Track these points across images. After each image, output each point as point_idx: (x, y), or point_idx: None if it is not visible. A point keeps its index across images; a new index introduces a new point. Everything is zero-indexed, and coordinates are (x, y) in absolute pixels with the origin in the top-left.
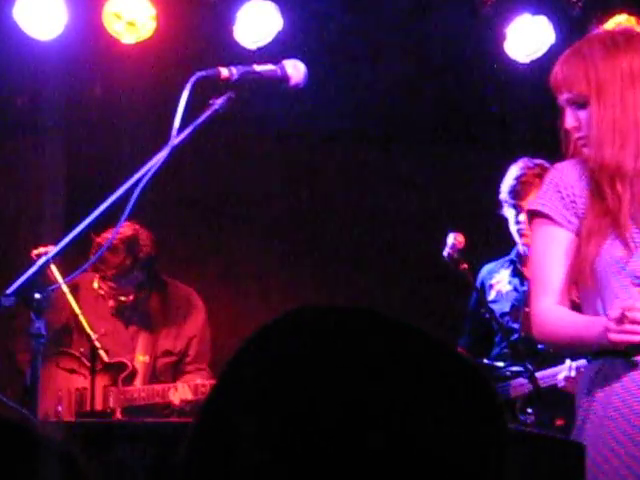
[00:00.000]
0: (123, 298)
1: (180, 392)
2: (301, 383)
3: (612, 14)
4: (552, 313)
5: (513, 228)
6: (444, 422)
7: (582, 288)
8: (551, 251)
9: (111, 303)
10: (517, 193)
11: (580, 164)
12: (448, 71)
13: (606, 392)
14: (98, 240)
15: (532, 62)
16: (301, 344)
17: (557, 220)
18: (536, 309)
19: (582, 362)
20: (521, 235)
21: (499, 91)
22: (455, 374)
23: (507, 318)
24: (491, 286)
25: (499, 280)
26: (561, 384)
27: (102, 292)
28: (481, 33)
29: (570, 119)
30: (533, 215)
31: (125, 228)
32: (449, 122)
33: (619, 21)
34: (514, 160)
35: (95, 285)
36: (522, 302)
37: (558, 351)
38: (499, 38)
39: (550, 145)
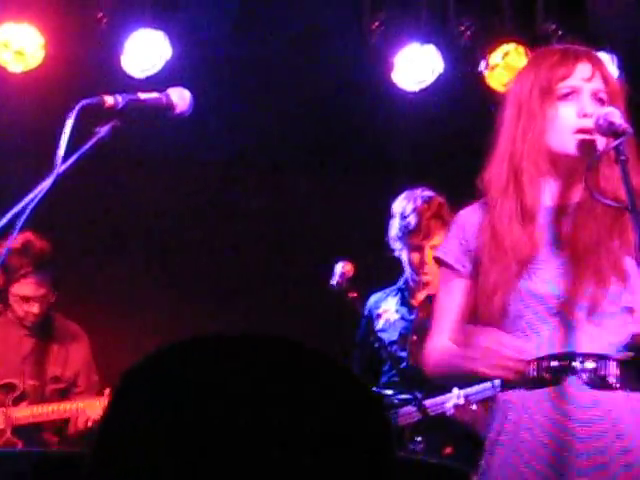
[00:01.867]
0: (25, 324)
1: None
2: (189, 408)
3: (500, 43)
4: (438, 349)
5: (405, 260)
6: (336, 442)
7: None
8: (449, 297)
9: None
10: (416, 231)
11: (482, 207)
12: (337, 100)
13: (515, 419)
14: None
15: (420, 91)
16: (187, 371)
17: (455, 267)
18: (426, 348)
19: (470, 390)
20: (417, 272)
21: (387, 120)
22: (335, 389)
23: (395, 347)
24: (379, 315)
25: (387, 309)
26: (450, 412)
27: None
28: (370, 62)
29: None
30: (437, 261)
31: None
32: (337, 151)
33: (507, 50)
34: (401, 189)
35: None
36: (410, 330)
37: (446, 383)
38: (388, 67)
39: (434, 173)
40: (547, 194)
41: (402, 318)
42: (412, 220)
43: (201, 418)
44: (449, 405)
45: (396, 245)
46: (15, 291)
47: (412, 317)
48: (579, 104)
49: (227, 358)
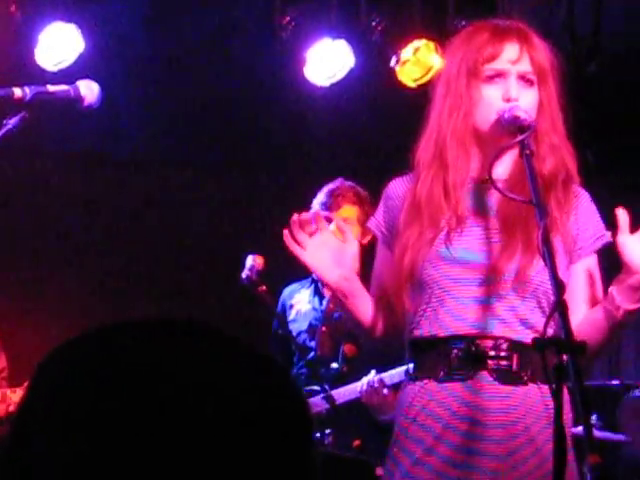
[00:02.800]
0: None
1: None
2: (104, 393)
3: (410, 39)
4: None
5: None
6: (259, 424)
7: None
8: (377, 262)
9: None
10: (326, 205)
11: (410, 179)
12: (249, 95)
13: (424, 409)
14: None
15: (332, 86)
16: (104, 357)
17: (379, 234)
18: None
19: (385, 374)
20: None
21: (299, 115)
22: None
23: (304, 336)
24: (291, 306)
25: (299, 300)
26: (362, 391)
27: None
28: (281, 57)
29: None
30: (369, 230)
31: None
32: (248, 147)
33: (417, 46)
34: (313, 183)
35: None
36: (320, 321)
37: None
38: (299, 62)
39: (347, 165)
40: (473, 169)
41: (313, 309)
42: (324, 199)
43: (117, 403)
44: (363, 383)
45: None
46: None
47: (322, 307)
48: (505, 87)
49: (144, 342)
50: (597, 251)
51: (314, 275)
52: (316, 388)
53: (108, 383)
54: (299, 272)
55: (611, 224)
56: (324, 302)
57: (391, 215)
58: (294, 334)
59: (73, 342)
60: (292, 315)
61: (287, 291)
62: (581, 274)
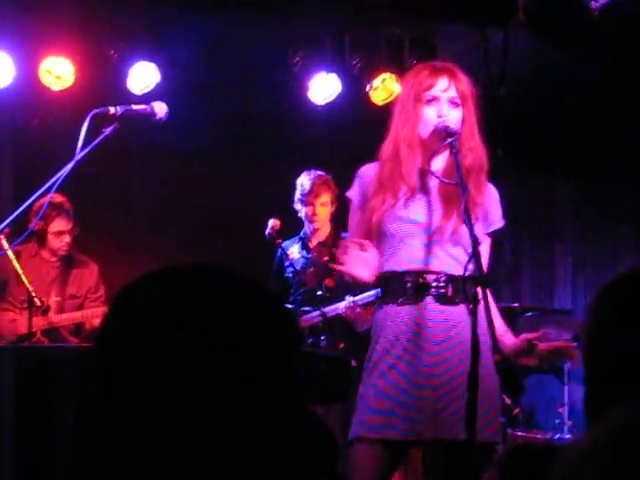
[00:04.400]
0: (60, 254)
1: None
2: (171, 316)
3: (379, 73)
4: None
5: (304, 217)
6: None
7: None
8: (352, 222)
9: (46, 256)
10: (310, 193)
11: (376, 166)
12: (270, 110)
13: (389, 326)
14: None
15: (326, 104)
16: (170, 286)
17: (354, 202)
18: None
19: (357, 297)
20: (310, 221)
21: (304, 124)
22: (266, 303)
23: (298, 277)
24: (287, 255)
25: (292, 251)
26: (342, 311)
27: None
28: (292, 85)
29: None
30: (347, 199)
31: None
32: (269, 146)
33: (384, 77)
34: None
35: (32, 252)
36: (307, 265)
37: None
38: (304, 88)
39: (336, 160)
40: (419, 163)
41: (302, 257)
42: (307, 186)
43: (178, 330)
44: (342, 306)
45: (297, 206)
46: (52, 229)
47: (308, 256)
48: (438, 107)
49: (199, 283)
50: (491, 233)
51: (301, 234)
52: (307, 308)
53: (170, 312)
54: (296, 231)
55: (510, 203)
56: (309, 253)
57: (363, 188)
58: (290, 275)
59: (140, 279)
60: (287, 262)
61: (285, 244)
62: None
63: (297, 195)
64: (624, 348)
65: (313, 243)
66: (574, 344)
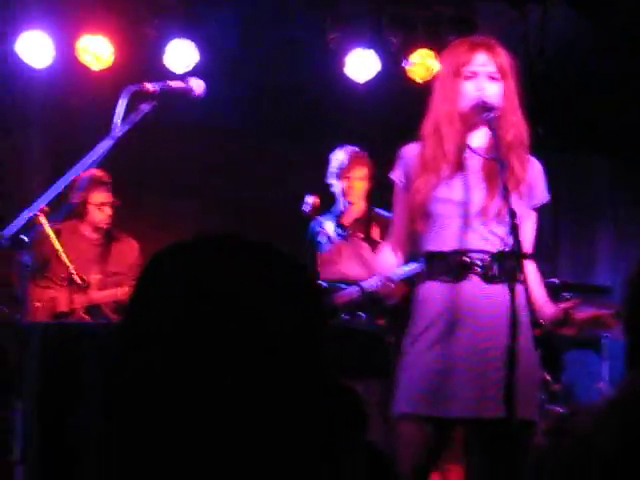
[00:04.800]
0: (101, 227)
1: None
2: (197, 286)
3: (416, 49)
4: (380, 252)
5: (339, 192)
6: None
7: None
8: (397, 207)
9: (86, 232)
10: (346, 167)
11: (418, 146)
12: (310, 86)
13: (431, 297)
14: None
15: (365, 83)
16: (197, 255)
17: (398, 183)
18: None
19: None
20: (345, 195)
21: (341, 101)
22: (292, 273)
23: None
24: (320, 232)
25: (327, 228)
26: (377, 285)
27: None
28: (330, 61)
29: None
30: (390, 181)
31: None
32: (309, 123)
33: (421, 54)
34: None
35: (72, 230)
36: (344, 240)
37: None
38: (341, 64)
39: (374, 137)
40: (459, 138)
41: (338, 234)
42: (343, 159)
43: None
44: (378, 278)
45: (332, 181)
46: (93, 200)
47: (344, 233)
48: (477, 83)
49: (225, 253)
50: (538, 207)
51: (336, 211)
52: (343, 285)
53: (196, 279)
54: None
55: (550, 180)
56: (344, 230)
57: (406, 169)
58: (325, 251)
59: (167, 249)
60: (322, 239)
61: (318, 220)
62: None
63: (332, 169)
64: None
65: (348, 220)
66: (612, 311)
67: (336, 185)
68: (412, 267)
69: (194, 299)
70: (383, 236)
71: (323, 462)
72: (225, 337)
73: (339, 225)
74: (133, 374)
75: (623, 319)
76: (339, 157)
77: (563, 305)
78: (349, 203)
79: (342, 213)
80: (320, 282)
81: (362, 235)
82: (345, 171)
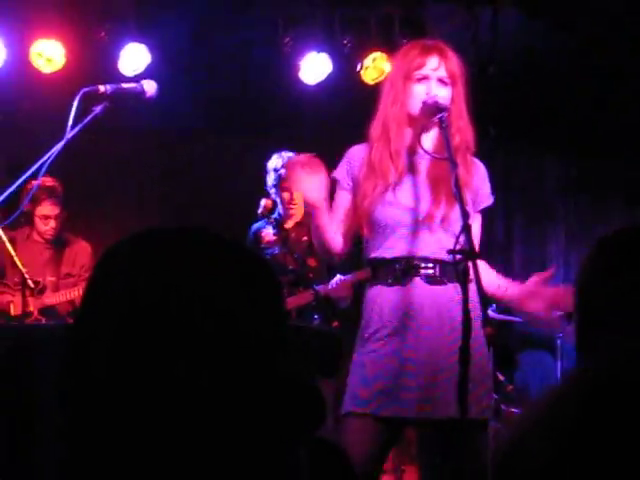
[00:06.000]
0: (46, 237)
1: None
2: (152, 277)
3: (369, 52)
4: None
5: (278, 200)
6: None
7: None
8: (339, 205)
9: (38, 238)
10: (285, 178)
11: (366, 147)
12: (262, 90)
13: (378, 299)
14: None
15: (317, 84)
16: (140, 249)
17: (342, 184)
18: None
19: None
20: (287, 208)
21: (295, 104)
22: (247, 264)
23: (275, 261)
24: (261, 237)
25: (267, 234)
26: (332, 286)
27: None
28: (283, 64)
29: None
30: (333, 180)
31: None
32: (260, 125)
33: (374, 57)
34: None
35: (25, 235)
36: (283, 247)
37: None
38: (295, 68)
39: (327, 140)
40: (408, 142)
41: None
42: (281, 171)
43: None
44: (333, 282)
45: (272, 190)
46: (38, 212)
47: (284, 237)
48: (428, 86)
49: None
50: (482, 210)
51: (275, 215)
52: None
53: (138, 266)
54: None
55: (502, 181)
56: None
57: (352, 170)
58: (269, 257)
59: (121, 241)
60: (264, 244)
61: (254, 228)
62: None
63: (271, 180)
64: (616, 295)
65: (289, 224)
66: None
67: (276, 196)
68: (360, 272)
69: (137, 293)
70: None
71: (281, 455)
72: (173, 330)
73: (280, 230)
74: (81, 374)
75: (575, 295)
76: (276, 167)
77: (533, 278)
78: (288, 209)
79: (281, 218)
80: None
81: (306, 238)
82: (284, 182)
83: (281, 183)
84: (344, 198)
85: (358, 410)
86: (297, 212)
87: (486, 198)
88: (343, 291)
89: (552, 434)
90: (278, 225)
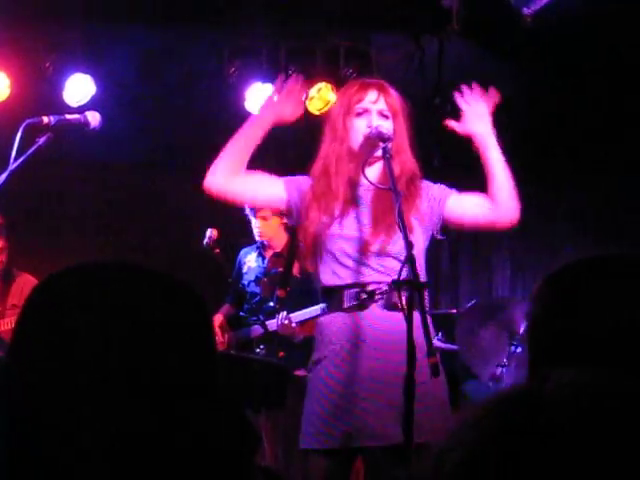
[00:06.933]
0: None
1: None
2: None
3: (314, 82)
4: None
5: (255, 230)
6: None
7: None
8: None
9: None
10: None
11: (310, 180)
12: (207, 120)
13: (333, 326)
14: None
15: None
16: (77, 282)
17: (285, 177)
18: None
19: (292, 315)
20: (260, 235)
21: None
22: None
23: (253, 284)
24: (244, 263)
25: (250, 259)
26: (276, 327)
27: None
28: (229, 95)
29: None
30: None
31: None
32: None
33: (320, 87)
34: None
35: None
36: (262, 274)
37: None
38: (241, 98)
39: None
40: (350, 176)
41: (258, 266)
42: None
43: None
44: (277, 319)
45: (250, 214)
46: None
47: (264, 265)
48: (368, 119)
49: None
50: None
51: (258, 243)
52: (254, 318)
53: (70, 302)
54: (246, 240)
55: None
56: (265, 262)
57: (301, 189)
58: (245, 283)
59: (54, 277)
60: (245, 269)
61: (243, 252)
62: (460, 198)
63: (247, 208)
64: (566, 333)
65: (269, 253)
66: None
67: (252, 221)
68: (312, 310)
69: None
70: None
71: None
72: (81, 368)
73: (260, 256)
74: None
75: (526, 334)
76: None
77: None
78: (260, 238)
79: (264, 246)
80: (240, 314)
81: (282, 269)
82: (251, 211)
83: (255, 212)
84: (273, 179)
85: (309, 447)
86: (276, 240)
87: (442, 206)
88: (290, 329)
89: (461, 443)
90: (260, 252)
